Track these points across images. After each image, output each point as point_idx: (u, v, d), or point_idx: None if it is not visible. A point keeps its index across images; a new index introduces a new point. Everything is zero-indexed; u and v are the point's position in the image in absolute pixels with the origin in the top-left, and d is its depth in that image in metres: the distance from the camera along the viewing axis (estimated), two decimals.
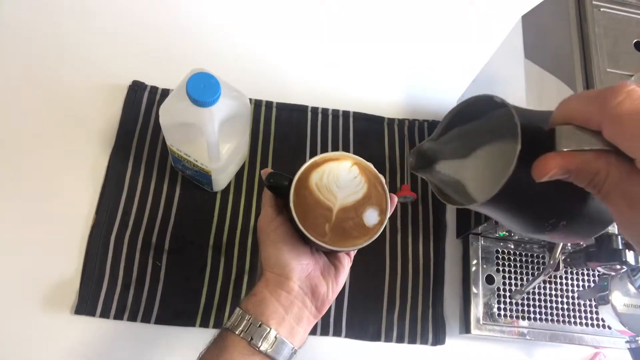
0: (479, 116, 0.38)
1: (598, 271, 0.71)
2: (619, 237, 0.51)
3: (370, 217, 0.48)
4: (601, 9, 0.57)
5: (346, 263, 0.52)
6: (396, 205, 0.76)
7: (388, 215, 0.49)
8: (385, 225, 0.48)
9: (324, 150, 0.77)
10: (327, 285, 0.49)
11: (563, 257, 0.66)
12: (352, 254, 0.53)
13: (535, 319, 0.69)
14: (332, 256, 0.52)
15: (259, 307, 0.46)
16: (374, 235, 0.48)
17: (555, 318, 0.69)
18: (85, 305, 0.64)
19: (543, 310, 0.69)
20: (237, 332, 0.45)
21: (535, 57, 0.61)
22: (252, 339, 0.45)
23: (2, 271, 0.65)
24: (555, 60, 0.58)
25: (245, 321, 0.45)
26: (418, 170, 0.41)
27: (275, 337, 0.45)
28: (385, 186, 0.49)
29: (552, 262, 0.60)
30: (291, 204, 0.47)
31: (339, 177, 0.49)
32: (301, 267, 0.48)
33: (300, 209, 0.47)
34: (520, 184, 0.31)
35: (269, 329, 0.45)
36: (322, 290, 0.49)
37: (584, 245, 0.66)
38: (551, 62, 0.58)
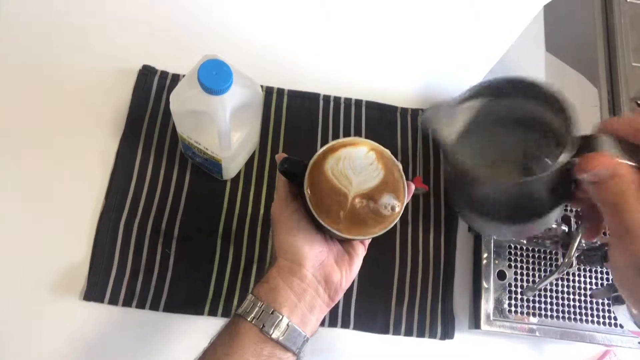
0: (509, 96, 0.40)
1: (602, 271, 0.69)
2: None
3: (387, 205, 0.46)
4: (628, 0, 0.55)
5: (360, 251, 0.51)
6: None
7: (405, 203, 0.48)
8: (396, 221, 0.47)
9: (336, 139, 0.76)
10: (341, 273, 0.49)
11: (577, 254, 0.65)
12: (367, 242, 0.52)
13: (546, 315, 0.68)
14: (346, 244, 0.51)
15: (272, 294, 0.46)
16: (390, 224, 0.46)
17: (566, 315, 0.68)
18: (94, 291, 0.64)
19: (554, 307, 0.68)
20: (249, 319, 0.45)
21: (557, 49, 0.59)
22: (263, 326, 0.44)
23: (11, 257, 0.65)
24: (577, 53, 0.56)
25: (257, 308, 0.45)
26: (429, 123, 0.42)
27: (288, 324, 0.45)
28: (402, 173, 0.48)
29: (567, 260, 0.59)
30: (305, 190, 0.46)
31: (355, 162, 0.47)
32: (315, 254, 0.48)
33: (315, 196, 0.46)
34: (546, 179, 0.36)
35: (281, 317, 0.45)
36: (336, 278, 0.48)
37: (598, 244, 0.65)
38: (573, 55, 0.57)
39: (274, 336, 0.44)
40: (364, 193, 0.46)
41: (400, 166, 0.48)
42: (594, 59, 0.53)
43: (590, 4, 0.56)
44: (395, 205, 0.46)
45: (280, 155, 0.49)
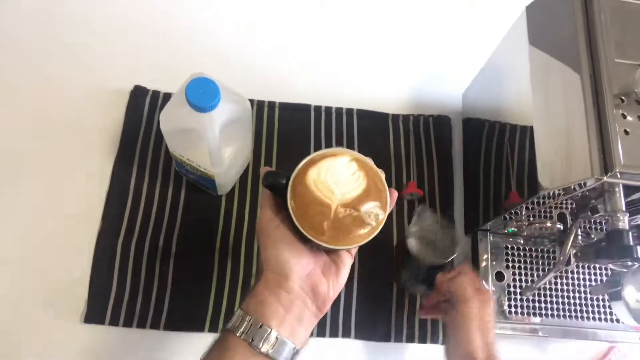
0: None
1: (606, 268, 0.69)
2: (630, 232, 0.49)
3: (370, 213, 0.46)
4: None
5: (347, 261, 0.51)
6: (403, 203, 0.75)
7: (388, 211, 0.48)
8: (394, 224, 0.47)
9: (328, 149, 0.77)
10: (328, 284, 0.49)
11: (574, 252, 0.65)
12: (354, 251, 0.52)
13: (547, 315, 0.68)
14: (332, 254, 0.51)
15: (260, 308, 0.46)
16: (374, 232, 0.46)
17: (567, 314, 0.68)
18: (94, 313, 0.64)
19: (555, 306, 0.68)
20: (237, 334, 0.45)
21: (540, 43, 0.59)
22: (252, 340, 0.44)
23: (11, 281, 0.65)
24: (560, 51, 0.56)
25: (246, 322, 0.45)
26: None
27: (277, 337, 0.45)
28: (385, 182, 0.48)
29: (562, 258, 0.59)
30: (289, 203, 0.46)
31: (337, 173, 0.47)
32: (301, 266, 0.48)
33: (298, 208, 0.46)
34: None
35: (269, 330, 0.45)
36: (323, 289, 0.48)
37: (595, 239, 0.65)
38: (557, 49, 0.57)
39: (263, 350, 0.44)
40: (347, 203, 0.46)
41: (383, 174, 0.49)
42: (577, 57, 0.53)
43: (570, 2, 0.56)
44: (378, 214, 0.47)
45: (265, 169, 0.49)
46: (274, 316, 0.46)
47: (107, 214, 0.69)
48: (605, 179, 0.48)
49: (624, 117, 0.50)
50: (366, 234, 0.46)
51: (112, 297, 0.65)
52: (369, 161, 0.49)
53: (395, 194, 0.50)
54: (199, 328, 0.66)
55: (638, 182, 0.49)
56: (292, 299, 0.47)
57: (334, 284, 0.49)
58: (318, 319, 0.50)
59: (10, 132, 0.72)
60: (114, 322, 0.64)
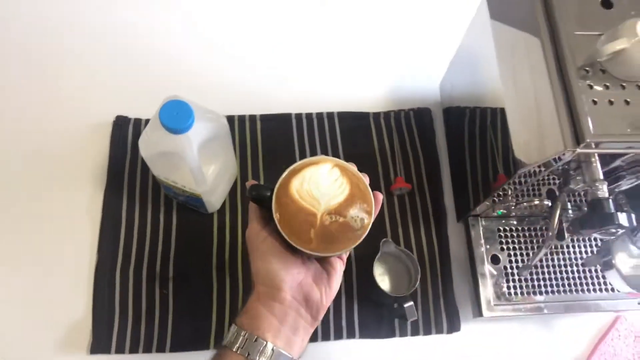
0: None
1: (599, 239, 0.69)
2: (610, 200, 0.50)
3: (356, 218, 0.47)
4: None
5: (339, 267, 0.51)
6: (393, 198, 0.76)
7: (374, 214, 0.48)
8: (386, 220, 0.48)
9: (314, 155, 0.77)
10: (320, 291, 0.49)
11: (567, 226, 0.65)
12: (345, 256, 0.53)
13: (547, 292, 0.68)
14: (323, 261, 0.52)
15: (254, 322, 0.46)
16: (361, 236, 0.47)
17: (567, 288, 0.68)
18: (99, 344, 0.65)
19: (554, 282, 0.68)
20: (234, 349, 0.45)
21: (502, 17, 0.60)
22: (249, 354, 0.45)
23: (15, 321, 0.66)
24: (522, 28, 0.57)
25: (241, 337, 0.46)
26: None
27: (273, 349, 0.45)
28: (368, 186, 0.49)
29: (550, 233, 0.59)
30: (274, 214, 0.47)
31: (320, 181, 0.48)
32: (291, 276, 0.48)
33: (284, 218, 0.46)
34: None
35: (265, 343, 0.45)
36: (316, 297, 0.49)
37: (585, 211, 0.65)
38: (518, 30, 0.57)
39: None
40: (332, 209, 0.47)
41: (367, 178, 0.49)
42: (537, 34, 0.54)
43: None
44: (364, 217, 0.47)
45: (250, 182, 0.50)
46: (268, 328, 0.46)
47: (102, 245, 0.70)
48: (578, 150, 0.48)
49: (591, 87, 0.50)
50: (354, 238, 0.47)
51: (115, 325, 0.66)
52: (352, 167, 0.49)
53: (380, 197, 0.50)
54: (205, 346, 0.67)
55: (611, 150, 0.49)
56: (286, 309, 0.47)
57: (327, 292, 0.50)
58: (313, 328, 0.50)
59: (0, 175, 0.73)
60: (120, 350, 0.65)
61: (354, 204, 0.48)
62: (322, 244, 0.46)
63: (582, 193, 0.71)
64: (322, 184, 0.48)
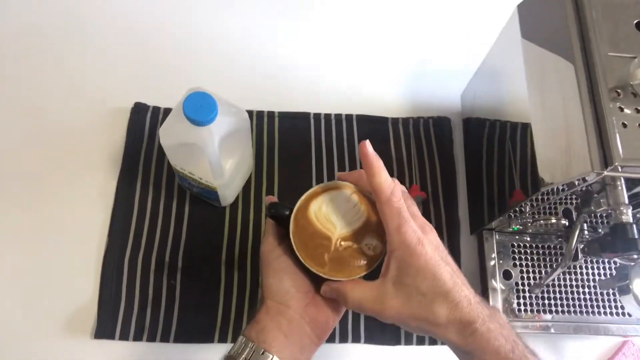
0: None
1: (614, 262, 0.69)
2: (634, 226, 0.49)
3: (370, 245, 0.48)
4: None
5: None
6: None
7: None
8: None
9: (330, 156, 0.77)
10: (327, 314, 0.50)
11: (581, 247, 0.64)
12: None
13: (557, 311, 0.67)
14: None
15: (261, 335, 0.47)
16: (373, 263, 0.48)
17: (578, 309, 0.68)
18: (104, 328, 0.65)
19: (565, 302, 0.68)
20: None
21: (533, 37, 0.60)
22: None
23: (20, 300, 0.66)
24: (554, 48, 0.56)
25: (248, 349, 0.46)
26: None
27: None
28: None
29: (567, 253, 0.58)
30: (291, 235, 0.48)
31: (338, 206, 0.49)
32: (301, 296, 0.49)
33: (300, 239, 0.48)
34: None
35: (271, 357, 0.46)
36: (322, 319, 0.50)
37: (602, 234, 0.64)
38: (550, 50, 0.57)
39: None
40: (347, 235, 0.48)
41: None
42: (570, 54, 0.53)
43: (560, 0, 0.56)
44: (377, 245, 0.48)
45: (269, 199, 0.51)
46: (275, 343, 0.47)
47: (113, 230, 0.70)
48: (605, 173, 0.48)
49: (621, 110, 0.49)
50: (365, 265, 0.48)
51: (121, 312, 0.66)
52: (370, 194, 0.50)
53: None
54: (209, 339, 0.66)
55: (639, 175, 0.49)
56: (293, 327, 0.48)
57: (334, 315, 0.51)
58: (318, 347, 0.51)
59: (14, 156, 0.73)
60: (124, 337, 0.65)
61: (369, 232, 0.48)
62: (335, 269, 0.47)
63: (599, 215, 0.71)
64: (339, 209, 0.49)
